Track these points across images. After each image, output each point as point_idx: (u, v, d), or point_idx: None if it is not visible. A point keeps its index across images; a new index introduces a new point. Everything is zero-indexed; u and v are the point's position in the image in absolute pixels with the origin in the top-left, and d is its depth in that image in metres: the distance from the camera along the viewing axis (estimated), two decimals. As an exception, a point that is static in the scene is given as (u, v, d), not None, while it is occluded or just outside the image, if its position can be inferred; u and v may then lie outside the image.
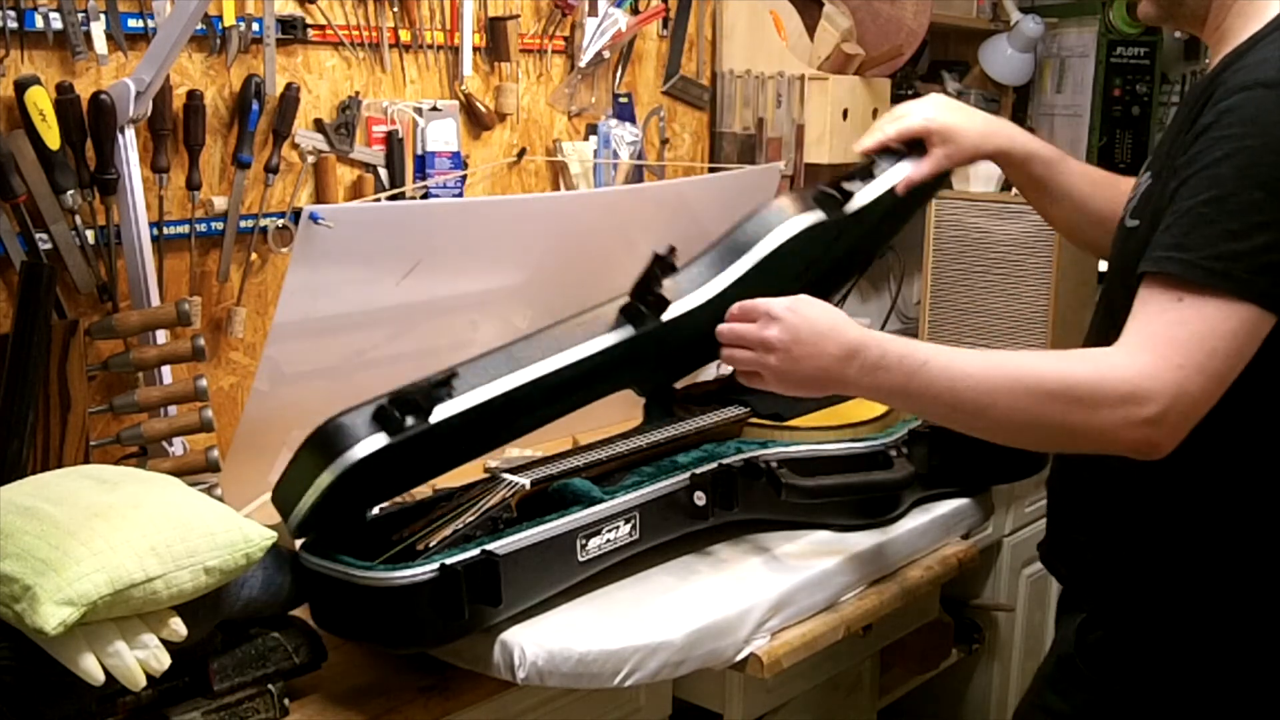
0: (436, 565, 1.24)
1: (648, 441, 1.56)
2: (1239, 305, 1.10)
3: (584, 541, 1.38)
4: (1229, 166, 1.11)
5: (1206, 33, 1.28)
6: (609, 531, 1.40)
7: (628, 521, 1.42)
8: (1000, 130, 1.55)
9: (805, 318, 1.28)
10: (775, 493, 1.51)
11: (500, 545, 1.29)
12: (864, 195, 1.55)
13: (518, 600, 1.31)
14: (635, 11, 2.32)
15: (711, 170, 2.49)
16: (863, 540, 1.60)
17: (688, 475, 1.49)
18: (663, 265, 1.48)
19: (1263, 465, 1.20)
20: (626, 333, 1.47)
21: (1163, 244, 1.14)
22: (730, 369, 1.41)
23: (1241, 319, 1.10)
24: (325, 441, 1.26)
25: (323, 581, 1.28)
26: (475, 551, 1.27)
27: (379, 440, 1.26)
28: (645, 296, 1.48)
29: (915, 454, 1.63)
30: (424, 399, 1.29)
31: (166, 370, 1.68)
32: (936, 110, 1.56)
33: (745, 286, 1.49)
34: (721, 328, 1.35)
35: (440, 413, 1.31)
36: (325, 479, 1.25)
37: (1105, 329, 1.26)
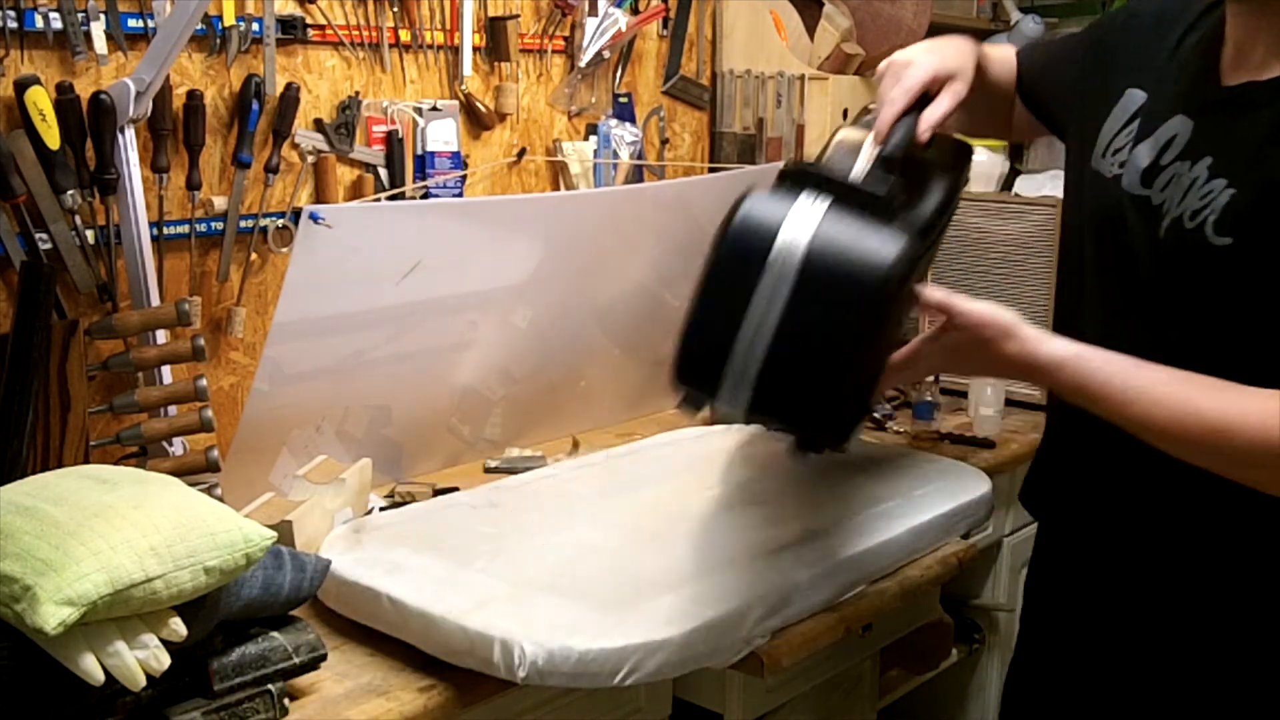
0: None
1: None
2: None
3: None
4: None
5: None
6: None
7: None
8: (967, 48, 1.48)
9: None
10: None
11: None
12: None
13: None
14: (635, 11, 2.32)
15: (711, 170, 2.49)
16: (863, 540, 1.60)
17: None
18: None
19: None
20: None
21: None
22: None
23: None
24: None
25: None
26: None
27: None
28: None
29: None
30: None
31: (166, 370, 1.68)
32: (932, 56, 1.44)
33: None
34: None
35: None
36: None
37: (1146, 344, 1.20)
